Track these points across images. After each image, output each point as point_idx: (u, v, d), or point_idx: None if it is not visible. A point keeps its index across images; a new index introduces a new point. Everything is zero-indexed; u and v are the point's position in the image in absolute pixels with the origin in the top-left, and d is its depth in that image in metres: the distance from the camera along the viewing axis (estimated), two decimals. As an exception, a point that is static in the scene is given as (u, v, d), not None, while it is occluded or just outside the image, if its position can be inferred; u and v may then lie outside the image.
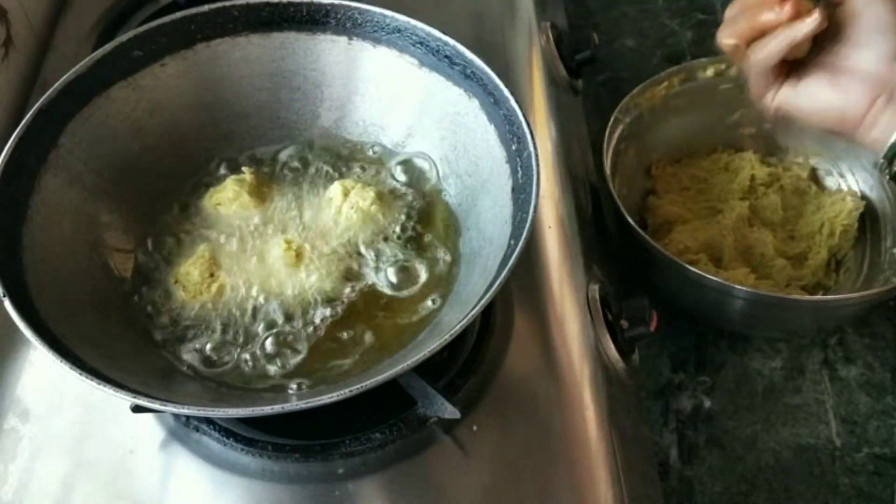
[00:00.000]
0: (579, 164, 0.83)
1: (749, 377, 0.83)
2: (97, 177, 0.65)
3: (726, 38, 0.59)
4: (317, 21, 0.70)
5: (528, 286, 0.67)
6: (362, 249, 0.66)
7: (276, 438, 0.60)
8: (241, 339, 0.62)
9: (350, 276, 0.65)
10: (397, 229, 0.67)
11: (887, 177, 0.57)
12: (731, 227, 0.86)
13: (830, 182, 0.94)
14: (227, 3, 0.68)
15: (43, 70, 0.86)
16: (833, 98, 0.57)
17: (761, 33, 0.57)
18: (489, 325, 0.65)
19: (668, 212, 0.90)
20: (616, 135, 0.88)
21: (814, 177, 0.94)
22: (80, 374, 0.51)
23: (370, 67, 0.70)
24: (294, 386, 0.60)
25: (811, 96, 0.58)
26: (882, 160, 0.57)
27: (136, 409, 0.54)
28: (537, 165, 0.59)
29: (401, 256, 0.66)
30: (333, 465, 0.58)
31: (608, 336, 0.67)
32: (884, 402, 0.82)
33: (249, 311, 0.63)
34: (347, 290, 0.64)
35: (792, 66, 0.59)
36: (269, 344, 0.62)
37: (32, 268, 0.57)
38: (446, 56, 0.67)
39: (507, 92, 0.63)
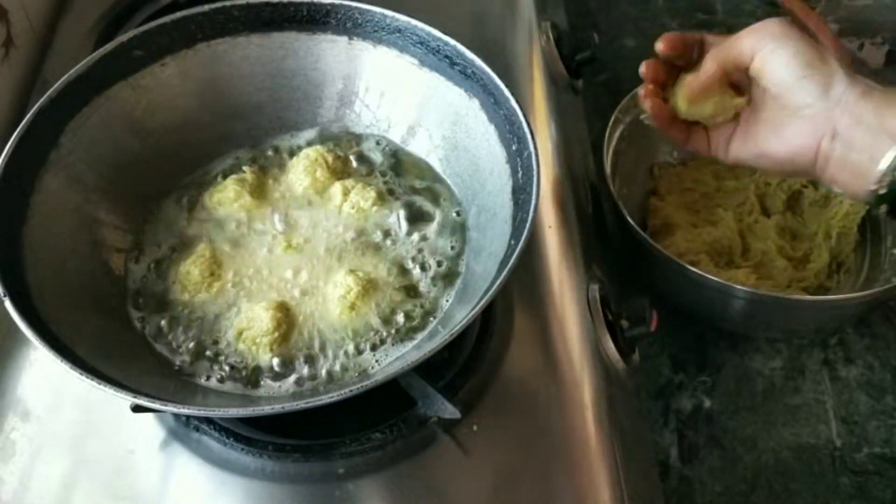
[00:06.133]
0: (579, 164, 0.83)
1: (749, 377, 0.83)
2: (97, 176, 0.65)
3: None
4: (317, 21, 0.70)
5: (528, 286, 0.67)
6: (362, 249, 0.66)
7: (276, 438, 0.60)
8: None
9: (349, 275, 0.64)
10: (397, 229, 0.67)
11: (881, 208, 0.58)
12: (734, 226, 0.86)
13: (831, 182, 0.94)
14: (227, 3, 0.68)
15: (43, 70, 0.86)
16: (780, 149, 0.60)
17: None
18: (489, 325, 0.65)
19: (669, 214, 0.90)
20: (616, 135, 0.88)
21: (814, 177, 0.93)
22: (80, 374, 0.51)
23: (370, 67, 0.70)
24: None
25: (759, 151, 0.62)
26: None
27: (136, 409, 0.54)
28: (537, 165, 0.59)
29: (400, 256, 0.66)
30: (334, 465, 0.58)
31: (608, 336, 0.67)
32: (884, 402, 0.82)
33: (249, 311, 0.63)
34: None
35: (739, 122, 0.64)
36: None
37: (32, 268, 0.57)
38: (446, 56, 0.67)
39: (507, 92, 0.63)
